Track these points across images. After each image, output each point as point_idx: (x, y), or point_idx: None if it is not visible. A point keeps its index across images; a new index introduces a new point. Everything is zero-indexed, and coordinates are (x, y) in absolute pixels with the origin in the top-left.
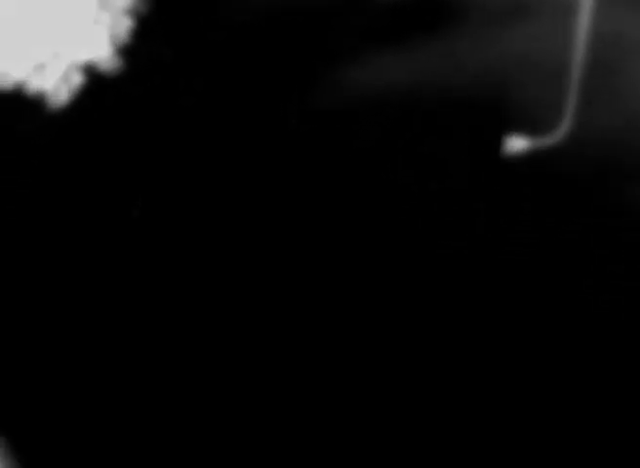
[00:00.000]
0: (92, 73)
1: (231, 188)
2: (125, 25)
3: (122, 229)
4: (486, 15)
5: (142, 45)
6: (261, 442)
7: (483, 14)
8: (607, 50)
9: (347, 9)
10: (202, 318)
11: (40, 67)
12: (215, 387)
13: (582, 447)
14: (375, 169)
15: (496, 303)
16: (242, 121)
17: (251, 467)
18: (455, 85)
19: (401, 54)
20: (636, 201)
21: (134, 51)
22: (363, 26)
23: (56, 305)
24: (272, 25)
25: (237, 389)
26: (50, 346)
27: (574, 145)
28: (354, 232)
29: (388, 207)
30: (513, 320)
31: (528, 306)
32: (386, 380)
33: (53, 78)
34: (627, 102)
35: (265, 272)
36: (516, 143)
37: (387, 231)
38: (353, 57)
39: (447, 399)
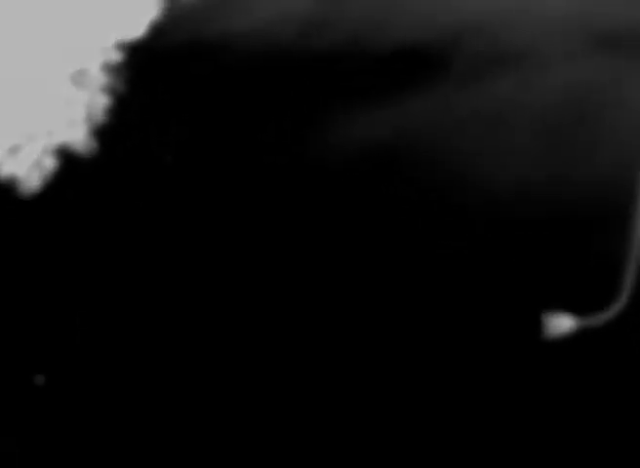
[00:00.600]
0: (66, 157)
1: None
2: (101, 104)
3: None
4: (473, 65)
5: (120, 125)
6: (260, 439)
7: (471, 63)
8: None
9: (341, 61)
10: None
11: (13, 151)
12: (213, 389)
13: (579, 446)
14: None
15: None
16: (231, 181)
17: (250, 466)
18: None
19: (389, 108)
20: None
21: (110, 132)
22: (354, 79)
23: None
24: (268, 75)
25: (234, 392)
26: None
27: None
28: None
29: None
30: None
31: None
32: (380, 383)
33: (26, 163)
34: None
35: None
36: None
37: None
38: (343, 108)
39: (435, 400)
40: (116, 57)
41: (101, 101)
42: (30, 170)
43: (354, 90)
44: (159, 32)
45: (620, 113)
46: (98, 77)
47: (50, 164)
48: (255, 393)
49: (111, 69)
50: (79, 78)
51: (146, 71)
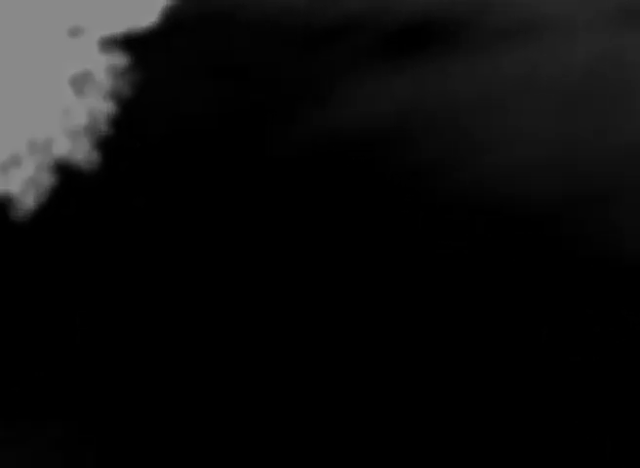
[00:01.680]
0: (65, 173)
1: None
2: (104, 113)
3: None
4: (481, 37)
5: (126, 136)
6: (260, 439)
7: (479, 35)
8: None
9: (346, 32)
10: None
11: (5, 166)
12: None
13: (575, 446)
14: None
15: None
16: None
17: (250, 466)
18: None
19: (396, 76)
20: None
21: (115, 144)
22: (362, 48)
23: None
24: (271, 50)
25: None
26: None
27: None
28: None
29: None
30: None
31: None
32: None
33: (19, 179)
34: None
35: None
36: None
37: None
38: (349, 79)
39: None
40: (122, 57)
41: (106, 109)
42: (25, 187)
43: (363, 62)
44: (170, 19)
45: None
46: (102, 81)
47: (47, 180)
48: (255, 398)
49: (117, 72)
50: (80, 82)
51: (156, 69)
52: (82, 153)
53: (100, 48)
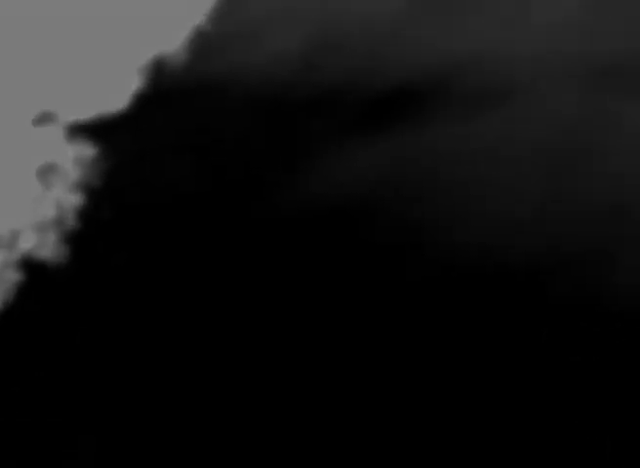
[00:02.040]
0: (31, 269)
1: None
2: (71, 205)
3: None
4: (455, 103)
5: (96, 229)
6: (259, 440)
7: (453, 101)
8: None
9: (326, 104)
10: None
11: None
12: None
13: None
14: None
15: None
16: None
17: (250, 466)
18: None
19: (373, 146)
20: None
21: (84, 237)
22: (339, 119)
23: None
24: (247, 124)
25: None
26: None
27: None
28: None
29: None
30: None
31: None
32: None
33: None
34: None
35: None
36: None
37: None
38: (329, 151)
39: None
40: (89, 146)
41: (73, 201)
42: None
43: (344, 129)
44: (142, 99)
45: (620, 147)
46: (69, 172)
47: (12, 277)
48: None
49: (84, 163)
50: (47, 173)
51: (126, 153)
52: (49, 247)
53: (68, 136)
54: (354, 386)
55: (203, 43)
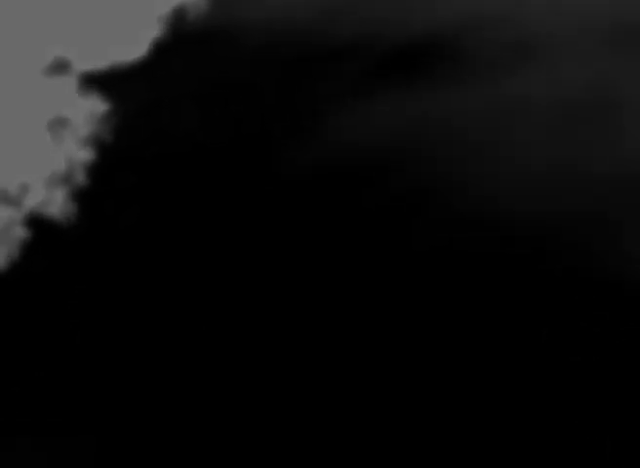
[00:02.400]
0: (39, 226)
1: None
2: (82, 160)
3: None
4: (475, 60)
5: (107, 185)
6: (259, 440)
7: (478, 60)
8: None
9: (341, 55)
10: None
11: None
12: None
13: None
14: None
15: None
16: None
17: (250, 466)
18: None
19: (403, 100)
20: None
21: (94, 195)
22: (357, 72)
23: None
24: (265, 75)
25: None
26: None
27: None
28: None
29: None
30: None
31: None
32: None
33: None
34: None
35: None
36: None
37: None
38: (346, 103)
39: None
40: (101, 101)
41: (84, 156)
42: None
43: (367, 83)
44: (160, 47)
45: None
46: (80, 126)
47: (19, 234)
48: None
49: (96, 118)
50: (57, 127)
51: (141, 103)
52: (57, 204)
53: (81, 88)
54: (356, 364)
55: None
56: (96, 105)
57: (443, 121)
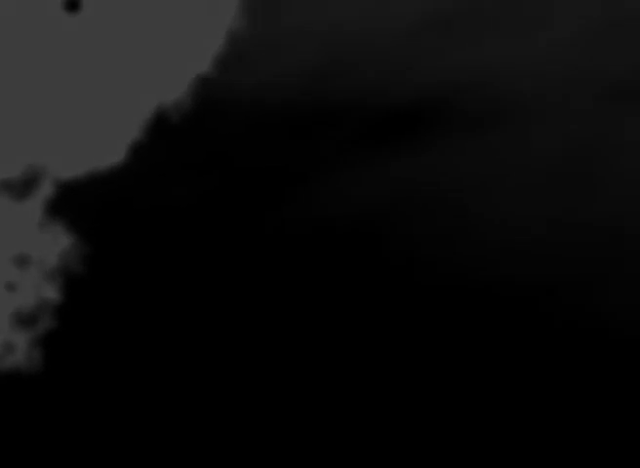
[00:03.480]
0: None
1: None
2: (52, 298)
3: None
4: (457, 124)
5: (71, 330)
6: (260, 441)
7: (455, 122)
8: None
9: (332, 121)
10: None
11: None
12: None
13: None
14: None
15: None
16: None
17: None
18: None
19: (382, 168)
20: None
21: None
22: (349, 136)
23: None
24: (263, 135)
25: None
26: None
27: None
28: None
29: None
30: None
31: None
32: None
33: None
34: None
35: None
36: None
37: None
38: (336, 167)
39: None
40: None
41: (52, 294)
42: None
43: (346, 150)
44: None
45: (627, 165)
46: (45, 259)
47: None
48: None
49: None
50: (23, 259)
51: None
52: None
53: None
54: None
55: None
56: (61, 238)
57: (429, 185)
